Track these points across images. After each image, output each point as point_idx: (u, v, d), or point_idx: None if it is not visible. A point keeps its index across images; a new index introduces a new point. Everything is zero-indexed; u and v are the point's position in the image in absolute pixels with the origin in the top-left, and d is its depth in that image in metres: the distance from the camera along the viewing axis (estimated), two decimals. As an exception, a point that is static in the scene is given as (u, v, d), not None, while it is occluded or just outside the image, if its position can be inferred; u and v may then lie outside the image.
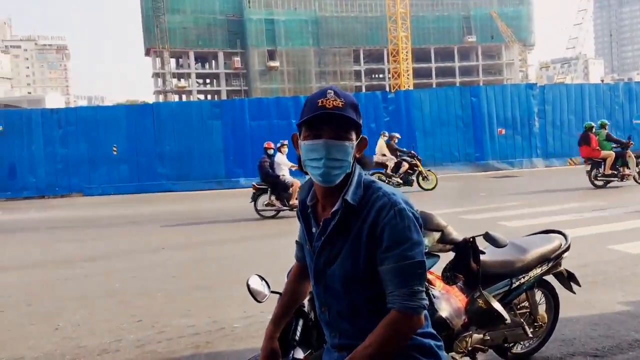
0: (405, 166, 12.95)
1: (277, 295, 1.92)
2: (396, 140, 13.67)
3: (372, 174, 12.25)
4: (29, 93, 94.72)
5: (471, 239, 2.80)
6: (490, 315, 2.68)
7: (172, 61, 69.73)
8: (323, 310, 1.58)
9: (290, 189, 10.09)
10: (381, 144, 13.32)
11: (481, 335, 2.96)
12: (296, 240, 1.78)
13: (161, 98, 63.68)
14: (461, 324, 2.76)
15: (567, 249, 3.20)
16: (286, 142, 10.77)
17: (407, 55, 55.87)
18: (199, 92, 72.74)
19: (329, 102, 1.44)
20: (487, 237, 2.77)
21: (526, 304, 3.24)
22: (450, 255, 2.83)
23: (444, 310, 2.70)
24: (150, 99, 68.23)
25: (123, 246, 8.01)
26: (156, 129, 16.18)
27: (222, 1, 67.59)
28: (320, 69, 69.24)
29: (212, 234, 8.74)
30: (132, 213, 11.84)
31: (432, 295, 2.75)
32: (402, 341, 1.44)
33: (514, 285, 3.01)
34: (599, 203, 9.52)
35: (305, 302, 2.05)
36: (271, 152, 10.52)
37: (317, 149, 1.45)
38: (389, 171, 12.96)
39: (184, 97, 67.32)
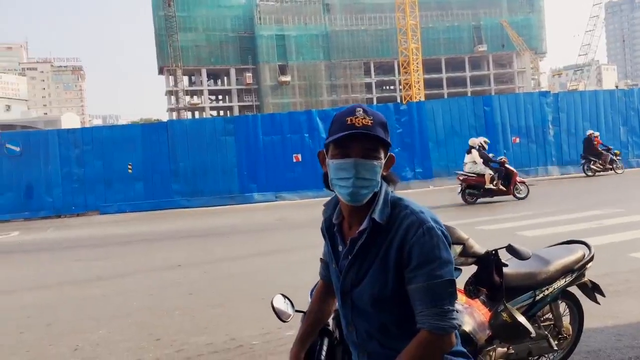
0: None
1: (301, 314, 1.90)
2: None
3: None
4: (45, 114, 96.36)
5: (493, 252, 2.75)
6: (515, 329, 2.62)
7: (185, 79, 70.48)
8: (350, 330, 1.55)
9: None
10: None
11: (505, 349, 2.90)
12: (320, 258, 1.75)
13: (174, 115, 64.29)
14: (485, 338, 2.71)
15: (591, 259, 3.14)
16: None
17: (417, 67, 55.89)
18: (212, 108, 73.34)
19: (358, 120, 1.42)
20: (510, 250, 2.73)
21: (550, 316, 3.17)
22: (473, 268, 2.79)
23: (468, 325, 2.65)
24: (164, 116, 69.06)
25: (139, 264, 8.03)
26: (170, 147, 16.31)
27: (233, 18, 68.36)
28: (331, 83, 69.55)
29: (228, 250, 8.73)
30: (148, 230, 11.90)
31: (455, 309, 2.70)
32: None
33: (537, 298, 2.94)
34: (617, 210, 9.36)
35: (330, 320, 2.02)
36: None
37: (346, 168, 1.43)
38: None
39: (196, 114, 67.92)
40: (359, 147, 1.42)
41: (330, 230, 1.59)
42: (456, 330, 1.43)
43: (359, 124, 1.41)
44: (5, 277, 7.72)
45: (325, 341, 1.91)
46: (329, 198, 1.63)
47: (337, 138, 1.43)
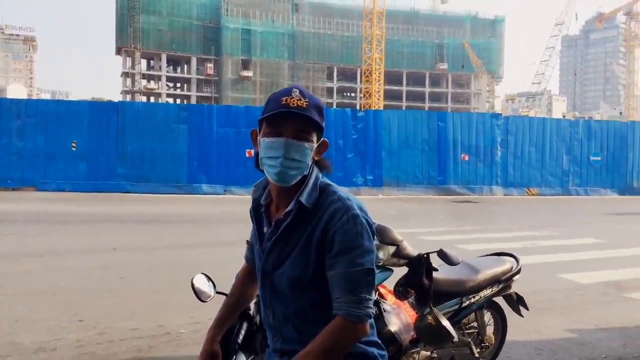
0: None
1: (223, 297, 1.86)
2: None
3: None
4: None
5: (425, 255, 2.80)
6: (438, 333, 2.67)
7: (143, 62, 68.62)
8: (267, 313, 1.53)
9: None
10: None
11: (429, 353, 2.96)
12: (247, 240, 1.72)
13: (129, 98, 62.45)
14: (409, 339, 2.75)
15: (518, 271, 3.25)
16: None
17: (379, 77, 56.64)
18: (169, 95, 71.71)
19: (293, 100, 1.40)
20: (441, 254, 2.78)
21: (475, 324, 3.26)
22: (404, 270, 2.82)
23: (394, 325, 2.68)
24: (118, 98, 66.92)
25: (73, 244, 7.72)
26: (119, 128, 15.80)
27: (199, 6, 67.17)
28: (293, 83, 69.27)
29: (168, 238, 8.53)
30: (87, 211, 11.48)
31: (383, 309, 2.73)
32: (344, 349, 1.40)
33: (464, 305, 3.02)
34: (553, 233, 9.77)
35: (252, 305, 1.99)
36: None
37: (276, 147, 1.41)
38: None
39: (152, 99, 66.23)
40: (291, 127, 1.41)
41: (257, 212, 1.57)
42: (371, 320, 1.44)
43: (293, 104, 1.40)
44: None
45: (244, 325, 1.88)
46: None
47: (270, 116, 1.41)
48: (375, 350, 1.49)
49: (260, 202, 1.55)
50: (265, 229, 1.52)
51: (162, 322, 4.25)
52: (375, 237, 2.72)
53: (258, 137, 1.47)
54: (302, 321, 1.46)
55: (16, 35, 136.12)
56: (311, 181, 1.45)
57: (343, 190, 1.47)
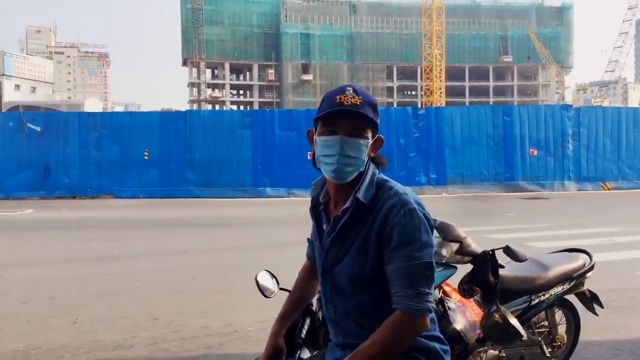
0: None
1: (286, 293, 1.91)
2: None
3: None
4: (69, 98, 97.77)
5: (490, 252, 2.73)
6: (506, 331, 2.60)
7: (208, 72, 71.01)
8: (329, 308, 1.56)
9: None
10: None
11: (497, 352, 2.89)
12: (308, 238, 1.77)
13: (195, 107, 64.75)
14: (475, 338, 2.69)
15: (591, 268, 3.10)
16: None
17: (440, 73, 55.59)
18: (232, 102, 73.78)
19: (347, 99, 1.43)
20: (507, 251, 2.70)
21: (546, 322, 3.14)
22: (468, 267, 2.77)
23: (459, 323, 2.63)
24: (185, 108, 69.52)
25: (147, 247, 8.12)
26: (187, 136, 16.44)
27: (259, 14, 68.72)
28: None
29: (235, 240, 8.78)
30: (160, 216, 12.03)
31: (448, 307, 2.69)
32: (404, 343, 1.41)
33: (533, 303, 2.91)
34: (631, 229, 9.22)
35: (314, 300, 2.03)
36: None
37: (332, 145, 1.44)
38: None
39: (217, 107, 68.33)
40: (346, 125, 1.43)
41: (316, 209, 1.60)
42: (432, 314, 1.43)
43: (347, 102, 1.42)
44: (16, 252, 7.86)
45: (307, 321, 1.92)
46: None
47: (325, 115, 1.44)
48: (437, 345, 1.49)
49: (319, 200, 1.59)
50: (324, 226, 1.55)
51: (231, 320, 4.39)
52: (439, 234, 2.72)
53: (314, 137, 1.50)
54: (363, 316, 1.48)
55: (91, 52, 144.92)
56: (368, 177, 1.47)
57: (400, 186, 1.48)
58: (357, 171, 1.46)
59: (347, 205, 1.46)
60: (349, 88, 1.45)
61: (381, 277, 1.43)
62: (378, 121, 1.47)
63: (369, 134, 1.46)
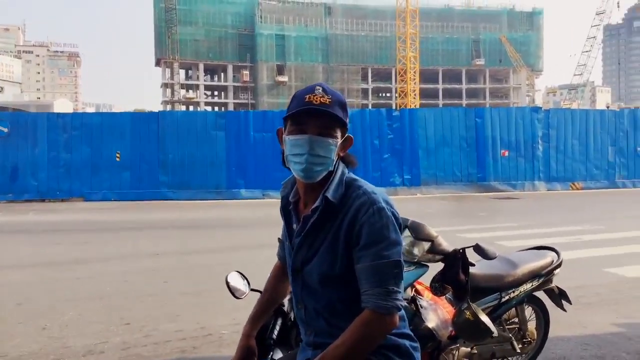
0: None
1: (258, 294, 1.90)
2: None
3: None
4: (38, 98, 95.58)
5: (461, 250, 2.77)
6: (477, 328, 2.64)
7: (182, 72, 70.35)
8: (299, 308, 1.56)
9: None
10: None
11: (469, 349, 2.92)
12: (278, 238, 1.76)
13: (169, 108, 64.08)
14: (447, 335, 2.72)
15: (559, 265, 3.17)
16: None
17: (414, 75, 56.21)
18: (207, 103, 73.19)
19: (317, 98, 1.43)
20: (477, 249, 2.74)
21: (516, 319, 3.20)
22: (440, 266, 2.80)
23: (431, 321, 2.67)
24: (159, 108, 68.66)
25: (118, 251, 7.98)
26: (160, 138, 16.22)
27: (234, 15, 68.38)
28: (327, 86, 69.60)
29: (208, 242, 8.71)
30: (131, 219, 11.83)
31: (420, 305, 2.72)
32: (374, 341, 1.41)
33: (503, 300, 2.96)
34: (598, 227, 9.46)
35: (286, 301, 2.02)
36: None
37: (301, 144, 1.44)
38: None
39: (191, 108, 67.73)
40: (315, 124, 1.43)
41: (286, 209, 1.60)
42: (402, 312, 1.44)
43: (316, 101, 1.42)
44: (-19, 256, 7.64)
45: (279, 321, 1.92)
46: None
47: (294, 114, 1.44)
48: (407, 342, 1.50)
49: (288, 200, 1.59)
50: (294, 226, 1.55)
51: (204, 323, 4.34)
52: (410, 233, 2.74)
53: (283, 136, 1.50)
54: (333, 315, 1.48)
55: (61, 52, 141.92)
56: (337, 177, 1.47)
57: (369, 185, 1.48)
58: (326, 170, 1.46)
59: (316, 204, 1.46)
60: (318, 87, 1.45)
61: (351, 276, 1.43)
62: (347, 120, 1.47)
63: (338, 134, 1.47)
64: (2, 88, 75.43)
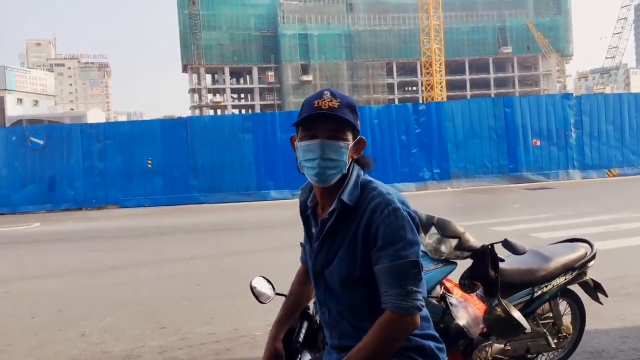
0: None
1: (283, 298, 1.92)
2: None
3: None
4: (72, 109, 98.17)
5: (489, 246, 2.73)
6: (509, 324, 2.60)
7: (208, 77, 71.20)
8: (323, 311, 1.58)
9: None
10: None
11: (502, 345, 2.89)
12: (300, 242, 1.78)
13: (197, 113, 64.96)
14: (479, 332, 2.70)
15: (593, 257, 3.10)
16: None
17: (440, 67, 55.50)
18: (234, 106, 73.91)
19: (325, 102, 1.45)
20: (506, 244, 2.71)
21: (550, 314, 3.14)
22: (469, 262, 2.77)
23: (462, 319, 2.64)
24: (187, 114, 69.73)
25: (153, 256, 8.15)
26: (189, 143, 16.48)
27: (257, 17, 68.83)
28: (353, 83, 69.44)
29: (240, 244, 8.81)
30: (165, 224, 12.06)
31: (450, 303, 2.70)
32: (396, 342, 1.41)
33: (535, 295, 2.92)
34: (636, 215, 9.17)
35: (311, 304, 2.04)
36: None
37: (312, 149, 1.45)
38: None
39: (219, 112, 68.52)
40: (325, 129, 1.45)
41: (305, 213, 1.62)
42: (424, 311, 1.44)
43: (325, 106, 1.44)
44: (22, 266, 7.92)
45: (305, 324, 1.93)
46: None
47: (304, 120, 1.46)
48: (432, 344, 1.49)
49: (307, 204, 1.60)
50: (313, 230, 1.57)
51: (238, 325, 4.40)
52: (437, 230, 2.72)
53: (295, 142, 1.52)
54: (356, 317, 1.49)
55: (91, 63, 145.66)
56: (352, 179, 1.48)
57: (384, 186, 1.49)
58: (339, 173, 1.47)
59: (332, 207, 1.48)
60: (326, 92, 1.47)
61: (371, 277, 1.44)
62: (358, 122, 1.49)
63: (349, 136, 1.48)
64: (36, 102, 77.68)
